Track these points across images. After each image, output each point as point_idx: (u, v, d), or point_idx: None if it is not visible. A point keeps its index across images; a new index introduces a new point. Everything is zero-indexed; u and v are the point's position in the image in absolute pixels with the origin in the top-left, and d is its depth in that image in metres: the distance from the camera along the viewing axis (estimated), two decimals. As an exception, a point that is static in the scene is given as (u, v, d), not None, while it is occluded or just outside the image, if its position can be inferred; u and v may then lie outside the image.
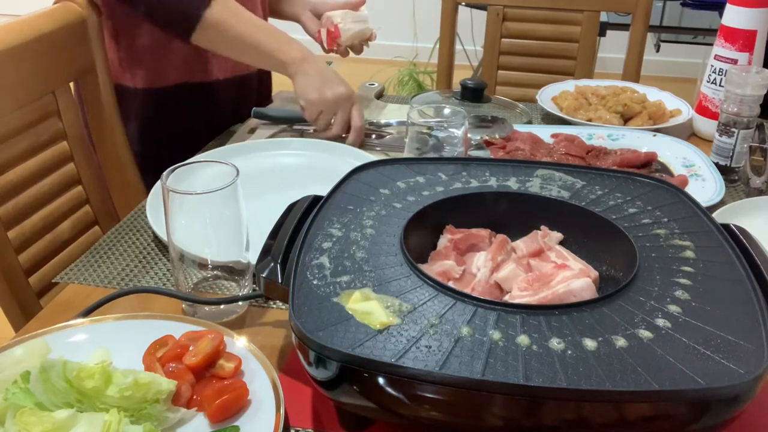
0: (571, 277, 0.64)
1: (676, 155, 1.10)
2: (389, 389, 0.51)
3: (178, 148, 1.13)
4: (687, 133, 1.24)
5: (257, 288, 0.66)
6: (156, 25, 1.15)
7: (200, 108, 1.26)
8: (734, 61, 1.16)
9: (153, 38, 1.20)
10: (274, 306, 0.77)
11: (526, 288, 0.65)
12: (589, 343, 0.52)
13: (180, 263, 0.73)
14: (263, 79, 1.42)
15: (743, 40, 1.15)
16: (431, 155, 0.90)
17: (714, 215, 0.79)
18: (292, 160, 1.11)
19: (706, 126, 1.21)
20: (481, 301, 0.57)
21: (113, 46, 1.21)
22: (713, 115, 1.17)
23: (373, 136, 1.20)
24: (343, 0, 1.33)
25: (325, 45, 1.30)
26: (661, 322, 0.55)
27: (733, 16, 1.15)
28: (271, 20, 1.42)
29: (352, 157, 1.07)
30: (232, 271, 0.75)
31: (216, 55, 1.25)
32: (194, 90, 1.26)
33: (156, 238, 0.90)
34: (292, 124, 1.23)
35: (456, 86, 1.37)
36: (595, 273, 0.66)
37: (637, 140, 1.13)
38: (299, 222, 0.69)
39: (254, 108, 1.26)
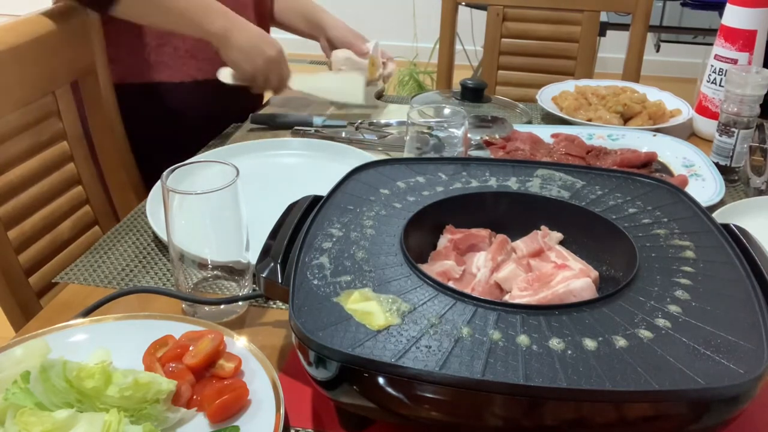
0: (571, 277, 0.64)
1: (676, 155, 1.10)
2: (389, 389, 0.51)
3: (175, 148, 1.13)
4: (687, 133, 1.24)
5: (257, 288, 0.66)
6: None
7: (192, 107, 1.26)
8: (734, 61, 1.16)
9: (147, 37, 1.19)
10: (274, 306, 0.77)
11: (526, 288, 0.65)
12: (589, 343, 0.52)
13: (180, 263, 0.73)
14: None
15: (743, 40, 1.15)
16: (431, 155, 0.90)
17: (714, 215, 0.79)
18: (292, 160, 1.11)
19: (706, 126, 1.21)
20: (481, 301, 0.56)
21: (116, 42, 1.20)
22: (713, 115, 1.17)
23: (374, 136, 1.20)
24: (349, 40, 1.35)
25: None
26: (661, 322, 0.55)
27: (733, 16, 1.15)
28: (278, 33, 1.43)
29: (352, 157, 1.07)
30: (232, 271, 0.75)
31: (210, 55, 1.24)
32: (187, 89, 1.25)
33: (156, 238, 0.90)
34: (290, 127, 1.23)
35: (456, 86, 1.37)
36: (595, 273, 0.66)
37: (637, 140, 1.13)
38: (299, 222, 0.69)
39: (251, 114, 1.26)
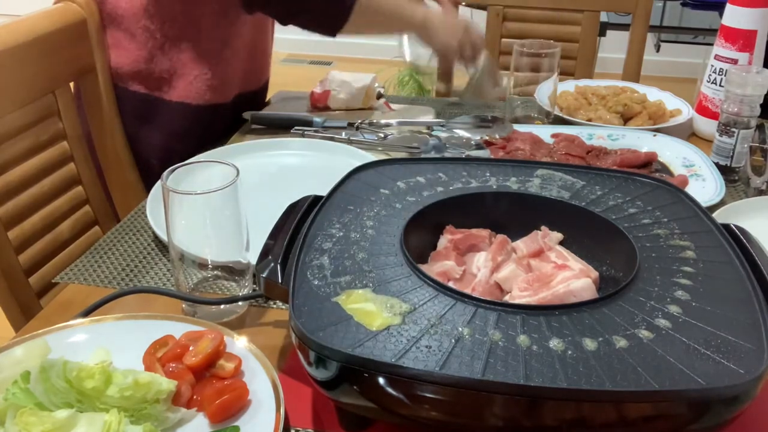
0: (571, 277, 0.64)
1: (676, 155, 1.09)
2: (389, 389, 0.51)
3: (175, 149, 1.13)
4: (687, 133, 1.24)
5: (257, 288, 0.66)
6: (299, 25, 1.19)
7: (213, 125, 1.25)
8: (734, 61, 1.16)
9: (199, 54, 1.17)
10: (274, 306, 0.77)
11: (526, 288, 0.65)
12: (589, 344, 0.52)
13: (180, 263, 0.73)
14: (263, 92, 1.41)
15: (743, 40, 1.15)
16: (432, 155, 0.90)
17: (714, 215, 0.79)
18: (292, 160, 1.11)
19: (706, 126, 1.21)
20: (481, 302, 0.56)
21: (158, 57, 1.17)
22: (713, 115, 1.17)
23: (374, 136, 1.20)
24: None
25: (311, 99, 1.34)
26: (661, 322, 0.55)
27: (733, 16, 1.15)
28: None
29: (352, 157, 1.07)
30: (232, 271, 0.75)
31: (237, 75, 1.24)
32: (215, 109, 1.24)
33: (156, 238, 0.90)
34: (289, 128, 1.22)
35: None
36: (595, 273, 0.66)
37: (637, 140, 1.13)
38: (299, 222, 0.69)
39: (251, 113, 1.26)
